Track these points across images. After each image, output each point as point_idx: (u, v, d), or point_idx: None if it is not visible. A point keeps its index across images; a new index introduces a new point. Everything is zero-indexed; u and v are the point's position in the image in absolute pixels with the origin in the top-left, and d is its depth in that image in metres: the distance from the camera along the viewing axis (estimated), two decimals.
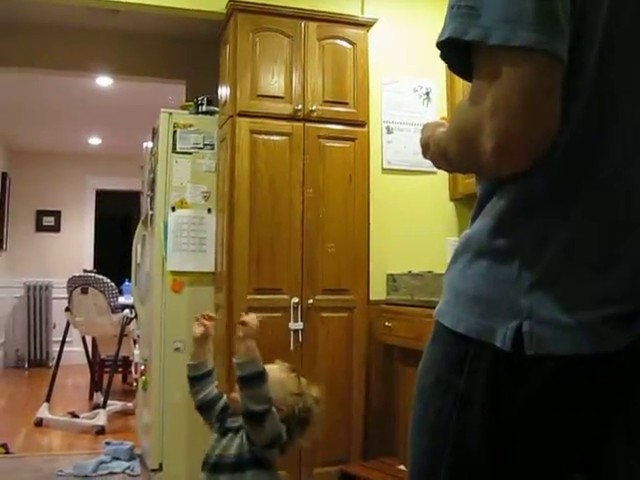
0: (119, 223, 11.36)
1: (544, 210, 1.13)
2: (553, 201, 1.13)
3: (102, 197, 10.12)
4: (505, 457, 1.15)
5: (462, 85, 4.00)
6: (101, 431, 5.54)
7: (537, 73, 1.02)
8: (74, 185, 9.86)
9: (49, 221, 9.79)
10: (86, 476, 4.39)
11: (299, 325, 3.74)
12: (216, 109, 4.26)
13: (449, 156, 1.23)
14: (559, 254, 1.12)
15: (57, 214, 9.84)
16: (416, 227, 4.19)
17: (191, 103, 4.39)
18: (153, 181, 4.35)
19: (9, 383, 8.15)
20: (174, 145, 4.18)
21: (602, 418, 1.19)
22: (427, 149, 1.38)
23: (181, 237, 4.11)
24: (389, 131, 4.14)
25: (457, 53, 1.11)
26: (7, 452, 4.94)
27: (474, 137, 1.07)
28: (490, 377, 1.14)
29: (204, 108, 4.30)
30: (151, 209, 4.39)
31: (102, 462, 4.57)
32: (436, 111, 4.21)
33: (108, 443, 4.87)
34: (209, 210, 4.15)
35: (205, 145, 4.21)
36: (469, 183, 3.95)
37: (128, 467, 4.52)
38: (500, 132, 1.03)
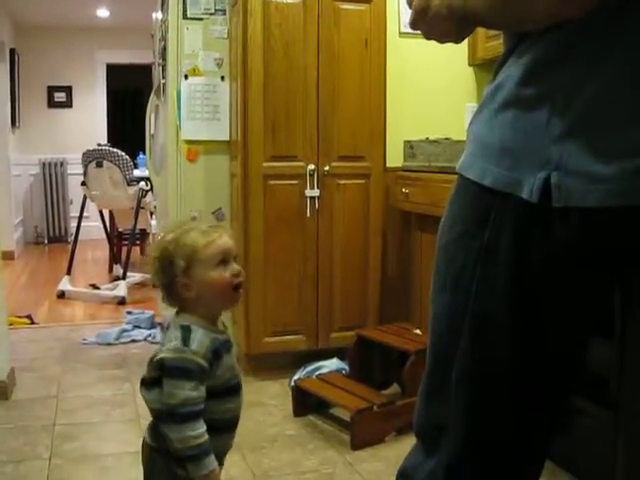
0: (131, 97, 11.24)
1: (579, 54, 1.07)
2: (590, 44, 1.07)
3: (113, 71, 9.99)
4: (528, 312, 1.15)
5: None
6: (122, 301, 5.67)
7: None
8: (84, 60, 9.71)
9: (60, 97, 9.70)
10: (109, 344, 4.52)
11: (315, 192, 3.72)
12: None
13: (476, 10, 1.14)
14: (593, 100, 1.06)
15: (68, 89, 9.73)
16: (434, 93, 4.09)
17: None
18: (164, 49, 4.26)
19: (30, 259, 8.30)
20: (184, 11, 4.05)
21: (631, 278, 1.17)
22: (423, 13, 1.22)
23: (195, 105, 4.04)
24: None
25: None
26: (32, 323, 5.07)
27: None
28: (516, 230, 1.12)
29: None
30: (163, 78, 4.32)
31: (124, 330, 4.69)
32: None
33: (129, 312, 4.98)
34: (222, 77, 4.07)
35: (216, 10, 4.08)
36: (489, 47, 3.84)
37: (149, 335, 4.63)
38: None
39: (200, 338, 1.77)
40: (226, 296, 1.84)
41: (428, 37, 1.30)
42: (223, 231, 1.87)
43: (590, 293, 1.17)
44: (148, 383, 1.81)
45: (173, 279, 1.80)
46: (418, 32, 1.32)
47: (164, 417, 1.76)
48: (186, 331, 1.77)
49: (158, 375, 1.76)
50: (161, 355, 1.76)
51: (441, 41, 1.31)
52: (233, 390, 1.86)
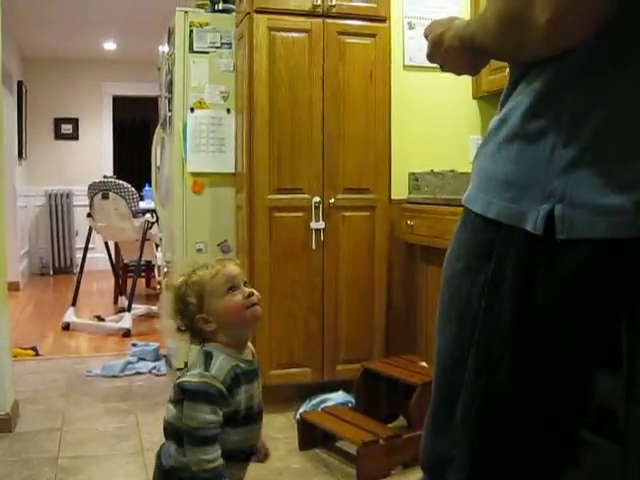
0: (137, 129, 11.31)
1: (584, 84, 1.08)
2: (593, 75, 1.08)
3: (119, 103, 10.06)
4: (533, 345, 1.15)
5: None
6: (127, 333, 5.66)
7: None
8: (91, 92, 9.79)
9: (67, 129, 9.77)
10: (114, 376, 4.50)
11: (320, 224, 3.73)
12: (232, 7, 4.16)
13: (483, 41, 1.17)
14: (597, 131, 1.07)
15: (75, 121, 9.81)
16: (438, 125, 4.11)
17: (207, 1, 4.29)
18: (171, 83, 4.30)
19: (35, 290, 8.29)
20: (191, 45, 4.11)
21: (637, 310, 1.17)
22: (438, 46, 1.31)
23: (200, 138, 4.08)
24: (411, 27, 4.03)
25: None
26: (37, 355, 5.05)
27: (525, 11, 1.01)
28: (521, 262, 1.12)
29: (220, 6, 4.22)
30: (169, 111, 4.35)
31: (129, 363, 4.67)
32: (459, 5, 4.08)
33: (134, 344, 4.96)
34: (228, 110, 4.11)
35: (223, 44, 4.13)
36: (493, 80, 3.86)
37: (154, 367, 4.61)
38: (557, 1, 0.98)
39: (221, 363, 1.84)
40: (243, 318, 1.91)
41: (444, 69, 1.34)
42: (227, 262, 1.96)
43: (596, 325, 1.16)
44: (173, 401, 1.90)
45: (193, 318, 1.89)
46: (435, 65, 1.35)
47: (182, 437, 1.82)
48: (208, 357, 1.85)
49: (181, 398, 1.84)
50: (182, 379, 1.85)
51: (457, 73, 1.35)
52: (247, 420, 1.90)
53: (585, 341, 1.16)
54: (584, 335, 1.16)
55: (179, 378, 1.88)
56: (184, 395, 1.83)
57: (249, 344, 1.98)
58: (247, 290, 1.91)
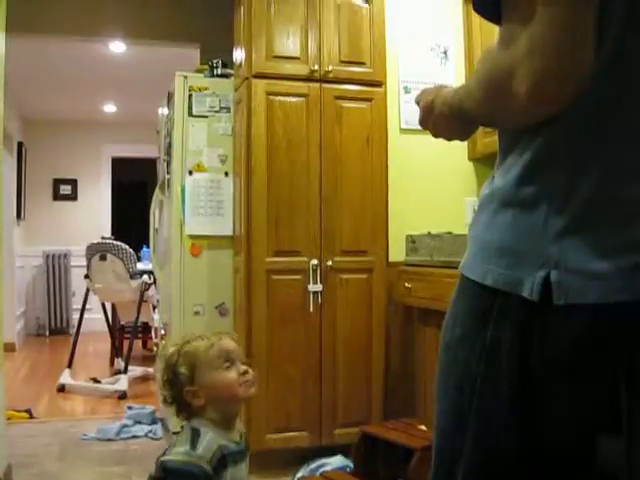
0: (136, 190, 11.38)
1: (573, 153, 1.10)
2: (582, 142, 1.10)
3: (118, 164, 10.14)
4: (532, 411, 1.14)
5: (480, 43, 3.96)
6: (123, 396, 5.60)
7: (574, 9, 0.99)
8: (90, 153, 9.88)
9: (66, 189, 9.83)
10: (109, 439, 4.44)
11: (318, 287, 3.73)
12: (231, 72, 4.23)
13: (471, 110, 1.20)
14: (589, 198, 1.09)
15: (74, 182, 9.88)
16: (435, 187, 4.15)
17: (206, 66, 4.37)
18: (169, 145, 4.34)
19: (31, 351, 8.24)
20: (190, 109, 4.16)
21: (636, 374, 1.16)
22: (429, 113, 1.34)
23: (199, 201, 4.10)
24: (407, 91, 4.09)
25: None
26: (31, 417, 5.00)
27: (507, 81, 1.04)
28: (518, 329, 1.13)
29: (219, 71, 4.28)
30: (168, 174, 4.39)
31: (125, 426, 4.62)
32: (454, 70, 4.16)
33: (130, 407, 4.92)
34: (226, 173, 4.14)
35: (221, 108, 4.19)
36: (488, 142, 3.91)
37: (150, 430, 4.56)
38: (537, 72, 1.00)
39: (208, 442, 1.75)
40: (234, 395, 1.84)
41: (436, 135, 1.37)
42: (224, 335, 1.89)
43: (595, 389, 1.16)
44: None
45: (181, 390, 1.81)
46: (419, 127, 1.39)
47: None
48: (195, 434, 1.76)
49: (162, 477, 1.74)
50: (165, 458, 1.75)
51: (448, 139, 1.38)
52: None
53: (585, 406, 1.16)
54: (583, 400, 1.15)
55: (163, 455, 1.78)
56: (166, 475, 1.73)
57: (238, 422, 1.91)
58: (242, 367, 1.85)
